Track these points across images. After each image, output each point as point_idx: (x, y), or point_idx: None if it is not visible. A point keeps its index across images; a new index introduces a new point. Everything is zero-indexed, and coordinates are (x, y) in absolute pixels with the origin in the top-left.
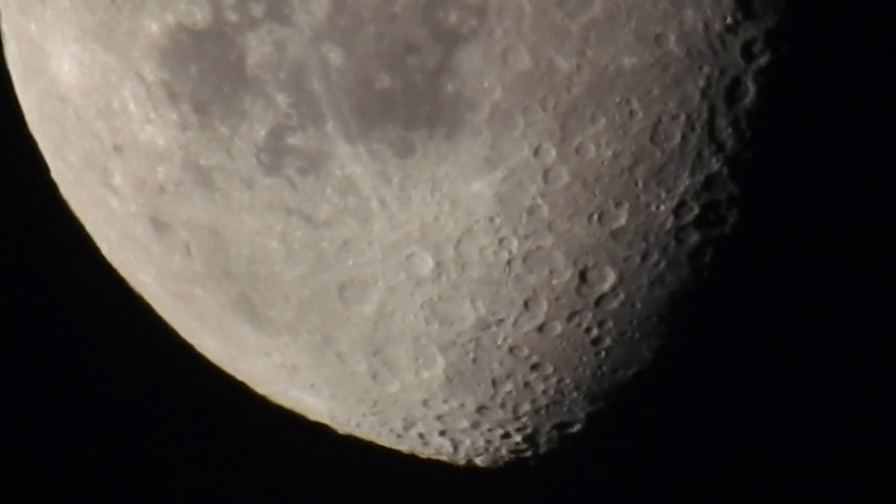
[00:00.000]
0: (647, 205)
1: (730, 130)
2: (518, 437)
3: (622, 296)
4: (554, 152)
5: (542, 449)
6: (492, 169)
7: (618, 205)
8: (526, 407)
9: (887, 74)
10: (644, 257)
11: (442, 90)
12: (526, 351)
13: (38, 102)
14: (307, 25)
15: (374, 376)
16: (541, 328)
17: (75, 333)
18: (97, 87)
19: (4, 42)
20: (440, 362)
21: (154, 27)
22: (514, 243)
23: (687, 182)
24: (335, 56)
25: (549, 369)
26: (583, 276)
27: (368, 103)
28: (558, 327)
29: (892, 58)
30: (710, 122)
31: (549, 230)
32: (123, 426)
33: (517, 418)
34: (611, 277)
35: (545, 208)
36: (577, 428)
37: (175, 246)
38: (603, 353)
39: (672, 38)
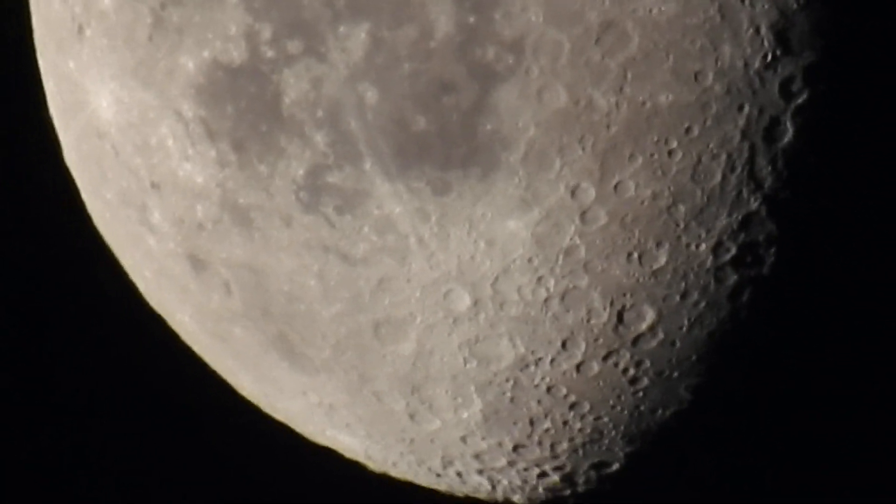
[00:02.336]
0: (687, 245)
1: (769, 169)
2: (556, 477)
3: (660, 335)
4: (592, 192)
5: (580, 488)
6: (528, 209)
7: (657, 245)
8: (563, 446)
9: None
10: (683, 297)
11: (478, 129)
12: (563, 390)
13: (77, 140)
14: (343, 64)
15: (412, 415)
16: (578, 367)
17: (112, 371)
18: (135, 124)
19: (43, 80)
20: (478, 401)
21: (191, 65)
22: (552, 282)
23: (725, 222)
24: (371, 95)
25: (587, 408)
26: (620, 316)
27: (405, 143)
28: (595, 367)
29: None
30: (751, 162)
31: (586, 270)
32: (162, 465)
33: (555, 457)
34: (649, 317)
35: (582, 248)
36: (615, 468)
37: (214, 284)
38: (641, 393)
39: (711, 75)
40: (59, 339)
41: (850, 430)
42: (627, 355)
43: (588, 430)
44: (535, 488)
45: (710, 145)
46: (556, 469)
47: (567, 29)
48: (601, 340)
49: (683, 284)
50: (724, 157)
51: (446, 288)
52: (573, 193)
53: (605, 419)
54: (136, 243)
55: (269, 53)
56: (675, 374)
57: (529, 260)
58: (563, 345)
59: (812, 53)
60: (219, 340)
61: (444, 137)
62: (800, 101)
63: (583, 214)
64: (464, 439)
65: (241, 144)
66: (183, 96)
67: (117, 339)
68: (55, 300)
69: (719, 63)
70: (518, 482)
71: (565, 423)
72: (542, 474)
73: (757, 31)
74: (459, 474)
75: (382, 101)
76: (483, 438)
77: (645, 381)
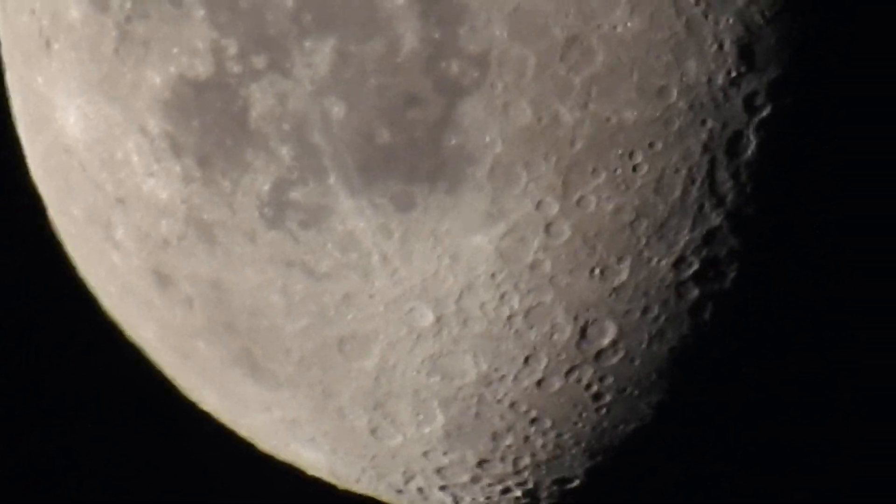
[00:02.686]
0: (649, 260)
1: (731, 184)
2: (518, 492)
3: (622, 351)
4: (556, 207)
5: None
6: (493, 224)
7: (619, 259)
8: (526, 461)
9: (889, 128)
10: (644, 312)
11: (443, 144)
12: (526, 406)
13: (44, 155)
14: (308, 79)
15: (374, 431)
16: (540, 383)
17: (74, 387)
18: (101, 140)
19: (10, 94)
20: (440, 417)
21: (157, 79)
22: (516, 298)
23: (687, 237)
24: (337, 109)
25: (549, 424)
26: (583, 332)
27: (370, 157)
28: (557, 383)
29: (893, 110)
30: (711, 176)
31: (551, 285)
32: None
33: (517, 473)
34: (611, 332)
35: (547, 263)
36: (577, 483)
37: (177, 300)
38: (603, 409)
39: (675, 91)
40: (25, 357)
41: (813, 443)
42: (590, 371)
43: (550, 446)
44: None
45: (673, 160)
46: (519, 485)
47: (532, 44)
48: (563, 356)
49: (645, 300)
50: (685, 171)
51: (410, 304)
52: (538, 207)
53: (568, 435)
54: (102, 259)
55: (236, 68)
56: (637, 391)
57: (493, 275)
58: (526, 360)
59: (776, 68)
60: (182, 356)
61: (410, 151)
62: (763, 114)
63: (547, 228)
64: (426, 455)
65: (206, 160)
66: (149, 111)
67: (82, 356)
68: (20, 318)
69: (684, 79)
70: (481, 498)
71: (527, 438)
72: (506, 490)
73: (721, 46)
74: (421, 490)
75: (348, 115)
76: (445, 454)
77: (607, 397)
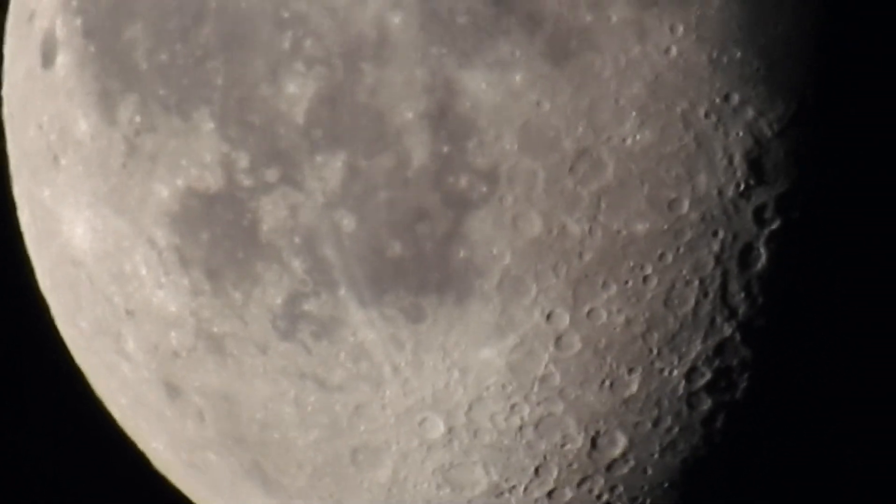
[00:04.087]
0: (660, 371)
1: (742, 296)
2: None
3: (633, 462)
4: (566, 319)
5: None
6: (502, 336)
7: (630, 371)
8: None
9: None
10: (656, 423)
11: (452, 257)
12: None
13: (52, 267)
14: (320, 192)
15: None
16: (551, 494)
17: (87, 497)
18: (110, 252)
19: (18, 207)
20: None
21: (165, 192)
22: (526, 410)
23: (699, 347)
24: (348, 223)
25: None
26: (594, 443)
27: (380, 270)
28: (569, 493)
29: None
30: (723, 288)
31: (561, 397)
32: None
33: None
34: (622, 443)
35: (557, 375)
36: None
37: (188, 412)
38: None
39: (686, 203)
40: (36, 471)
41: None
42: (601, 481)
43: None
44: None
45: (684, 272)
46: None
47: (541, 157)
48: (575, 466)
49: (656, 411)
50: (697, 283)
51: (421, 415)
52: (548, 320)
53: None
54: (111, 371)
55: (246, 181)
56: (649, 501)
57: (503, 387)
58: (537, 471)
59: (785, 181)
60: (193, 468)
61: (419, 264)
62: (773, 227)
63: (557, 341)
64: None
65: (216, 272)
66: (156, 224)
67: (94, 468)
68: (31, 429)
69: (694, 191)
70: None
71: None
72: None
73: (731, 159)
74: None
75: (359, 228)
76: None
77: None
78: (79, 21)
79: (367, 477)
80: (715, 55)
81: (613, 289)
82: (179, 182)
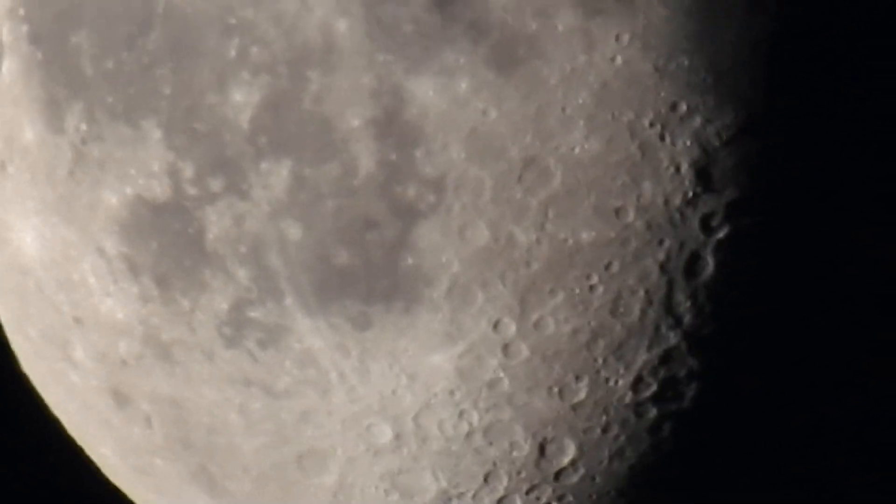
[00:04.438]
0: (607, 379)
1: (688, 304)
2: None
3: (582, 470)
4: (514, 327)
5: None
6: (451, 343)
7: (577, 378)
8: None
9: (846, 247)
10: (604, 431)
11: (400, 265)
12: None
13: (0, 275)
14: (265, 200)
15: None
16: (500, 501)
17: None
18: (58, 261)
19: None
20: None
21: (113, 200)
22: (475, 416)
23: (645, 356)
24: (294, 231)
25: None
26: (542, 450)
27: (327, 279)
28: (518, 501)
29: (850, 230)
30: (669, 297)
31: (509, 404)
32: None
33: None
34: (570, 451)
35: (505, 382)
36: None
37: (135, 418)
38: None
39: (632, 212)
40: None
41: None
42: (549, 489)
43: None
44: None
45: (630, 281)
46: None
47: (489, 166)
48: (523, 474)
49: (604, 418)
50: (642, 292)
51: (368, 421)
52: (495, 327)
53: None
54: (59, 379)
55: (192, 190)
56: None
57: (452, 393)
58: (486, 478)
59: (734, 189)
60: (140, 474)
61: (367, 272)
62: (720, 235)
63: (505, 348)
64: None
65: (165, 280)
66: (105, 232)
67: (42, 474)
68: None
69: (640, 200)
70: None
71: None
72: None
73: (678, 168)
74: None
75: (305, 237)
76: None
77: None
78: (25, 28)
79: (314, 482)
80: (661, 64)
81: (560, 297)
82: (128, 190)
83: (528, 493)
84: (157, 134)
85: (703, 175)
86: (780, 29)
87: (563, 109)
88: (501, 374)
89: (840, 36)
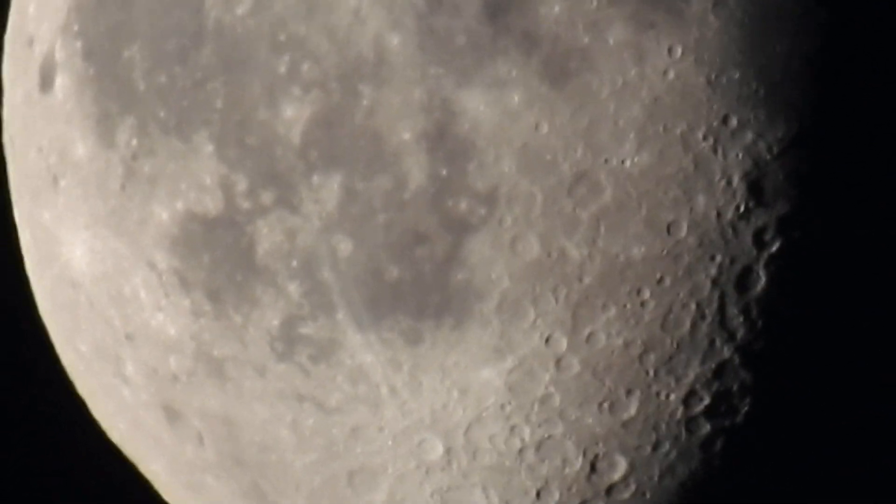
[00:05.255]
0: (658, 394)
1: (741, 319)
2: None
3: (633, 486)
4: (565, 342)
5: None
6: (501, 358)
7: (628, 393)
8: None
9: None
10: (655, 447)
11: (451, 280)
12: None
13: (51, 290)
14: (316, 215)
15: None
16: None
17: None
18: (109, 275)
19: (19, 229)
20: None
21: (164, 215)
22: (526, 431)
23: (697, 370)
24: (345, 246)
25: None
26: (593, 466)
27: (378, 293)
28: None
29: None
30: (721, 311)
31: (561, 419)
32: None
33: None
34: (621, 467)
35: (556, 397)
36: None
37: (187, 435)
38: None
39: (684, 226)
40: (38, 494)
41: None
42: None
43: None
44: None
45: (681, 295)
46: None
47: (540, 180)
48: (574, 490)
49: (654, 434)
50: (694, 306)
51: (419, 437)
52: (547, 342)
53: None
54: (110, 395)
55: (245, 204)
56: None
57: (503, 408)
58: (538, 495)
59: (785, 203)
60: (192, 491)
61: (417, 287)
62: (773, 249)
63: (557, 363)
64: None
65: (216, 295)
66: (156, 246)
67: (96, 491)
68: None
69: (692, 214)
70: None
71: None
72: None
73: (730, 181)
74: None
75: (356, 251)
76: None
77: None
78: (79, 44)
79: (364, 500)
80: (713, 77)
81: (612, 311)
82: (179, 205)
83: None
84: (208, 148)
85: (755, 188)
86: (831, 41)
87: (615, 123)
88: (552, 389)
89: (891, 48)
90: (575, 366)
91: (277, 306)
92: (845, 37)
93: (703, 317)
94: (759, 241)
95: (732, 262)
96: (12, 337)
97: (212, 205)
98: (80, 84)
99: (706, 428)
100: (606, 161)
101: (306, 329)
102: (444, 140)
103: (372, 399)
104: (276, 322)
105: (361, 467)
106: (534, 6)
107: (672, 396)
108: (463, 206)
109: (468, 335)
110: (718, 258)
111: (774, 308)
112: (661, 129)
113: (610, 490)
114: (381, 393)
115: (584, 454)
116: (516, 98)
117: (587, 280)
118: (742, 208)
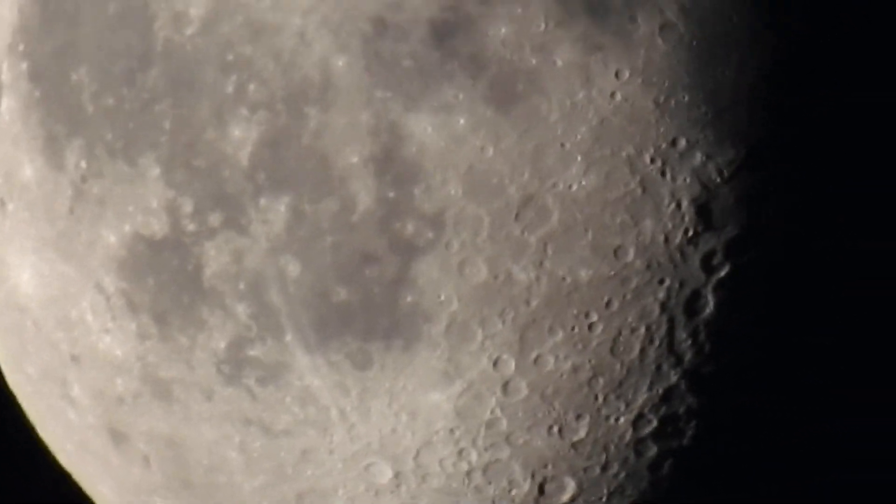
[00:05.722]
0: (607, 417)
1: (689, 343)
2: None
3: None
4: (513, 364)
5: None
6: (450, 381)
7: (577, 417)
8: None
9: (845, 284)
10: (603, 469)
11: (399, 302)
12: None
13: None
14: (264, 236)
15: None
16: None
17: None
18: (56, 298)
19: None
20: None
21: (112, 238)
22: (474, 455)
23: (646, 395)
24: (293, 268)
25: None
26: (542, 488)
27: (326, 315)
28: None
29: (850, 266)
30: (670, 335)
31: (508, 442)
32: None
33: None
34: (570, 489)
35: (504, 421)
36: None
37: (134, 457)
38: None
39: (631, 250)
40: None
41: None
42: None
43: None
44: None
45: (630, 319)
46: None
47: (487, 203)
48: None
49: (604, 456)
50: (643, 330)
51: (368, 461)
52: (494, 365)
53: None
54: (57, 417)
55: (191, 226)
56: None
57: (451, 431)
58: None
59: (734, 227)
60: None
61: (366, 309)
62: (721, 274)
63: (504, 386)
64: None
65: (163, 317)
66: (104, 269)
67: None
68: None
69: (640, 238)
70: None
71: None
72: None
73: (678, 205)
74: None
75: (304, 273)
76: None
77: None
78: (25, 65)
79: None
80: (661, 99)
81: (560, 335)
82: (127, 227)
83: None
84: (155, 170)
85: (703, 212)
86: (779, 64)
87: (562, 146)
88: (500, 413)
89: (839, 71)
90: (523, 389)
91: (225, 328)
92: (793, 60)
93: (651, 341)
94: (708, 266)
95: (681, 286)
96: None
97: (158, 227)
98: (26, 106)
99: (654, 450)
100: (554, 185)
101: (254, 351)
102: (392, 163)
103: (321, 422)
104: (223, 344)
105: (311, 490)
106: (481, 29)
107: (621, 420)
108: (410, 228)
109: (417, 358)
110: (667, 282)
111: (722, 332)
112: (608, 152)
113: None
114: (331, 416)
115: (533, 476)
116: (462, 121)
117: (534, 303)
118: (690, 232)
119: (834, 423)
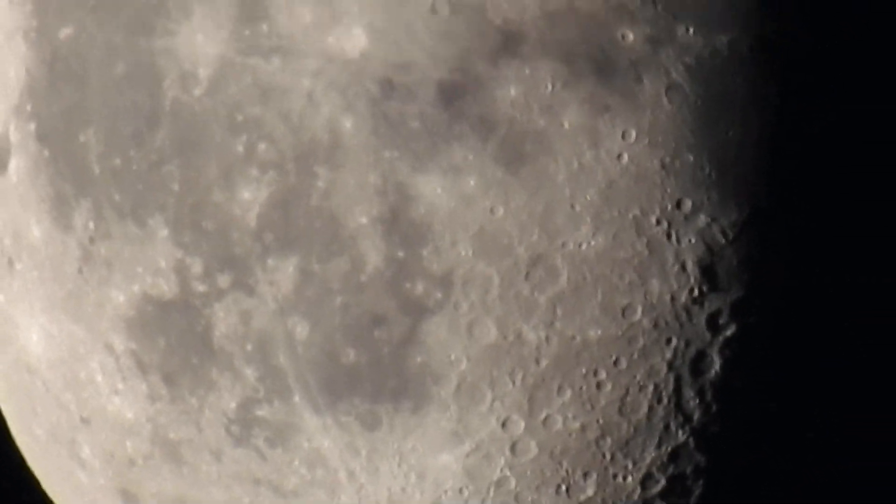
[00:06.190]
0: (615, 476)
1: (696, 402)
2: None
3: None
4: (522, 425)
5: None
6: (459, 442)
7: (585, 476)
8: None
9: (851, 343)
10: None
11: (408, 363)
12: None
13: (6, 374)
14: (272, 297)
15: None
16: None
17: None
18: (65, 359)
19: None
20: None
21: (121, 298)
22: None
23: (653, 454)
24: (301, 329)
25: None
26: None
27: (335, 377)
28: None
29: (856, 326)
30: (677, 394)
31: (517, 501)
32: None
33: None
34: None
35: (512, 480)
36: None
37: None
38: None
39: (639, 309)
40: None
41: None
42: None
43: None
44: None
45: (637, 378)
46: None
47: (496, 263)
48: None
49: None
50: (650, 389)
51: None
52: (503, 425)
53: None
54: (67, 478)
55: (200, 287)
56: None
57: (460, 491)
58: None
59: (739, 288)
60: None
61: (375, 369)
62: (727, 333)
63: (513, 446)
64: None
65: (172, 378)
66: (113, 330)
67: None
68: None
69: (647, 297)
70: None
71: None
72: None
73: (683, 266)
74: None
75: (312, 334)
76: None
77: None
78: (32, 126)
79: None
80: (667, 160)
81: (568, 394)
82: (135, 288)
83: None
84: (163, 231)
85: (708, 273)
86: (783, 124)
87: (571, 206)
88: (509, 474)
89: (842, 130)
90: (532, 449)
91: (234, 389)
92: (797, 119)
93: (659, 400)
94: (714, 326)
95: (687, 345)
96: None
97: (167, 288)
98: (34, 166)
99: None
100: (563, 245)
101: (263, 412)
102: (400, 223)
103: (329, 483)
104: (232, 405)
105: None
106: (489, 90)
107: (629, 479)
108: (420, 288)
109: (426, 419)
110: (674, 341)
111: (728, 391)
112: (616, 213)
113: None
114: (339, 477)
115: None
116: (472, 182)
117: (544, 363)
118: (696, 292)
119: (842, 478)
